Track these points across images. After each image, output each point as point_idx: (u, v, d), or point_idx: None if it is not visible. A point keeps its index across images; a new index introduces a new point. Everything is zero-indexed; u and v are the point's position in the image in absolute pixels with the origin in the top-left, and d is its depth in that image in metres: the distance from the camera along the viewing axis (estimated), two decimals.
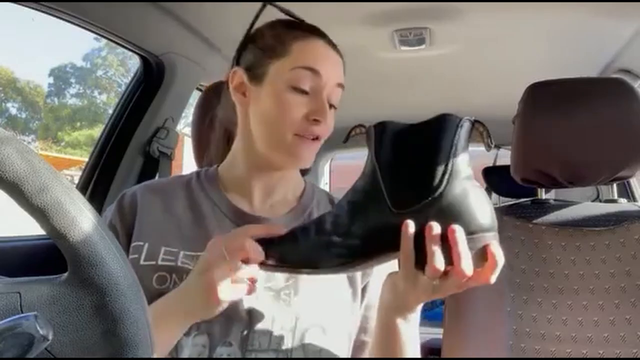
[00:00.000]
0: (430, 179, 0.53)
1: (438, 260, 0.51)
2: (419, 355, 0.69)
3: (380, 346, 0.67)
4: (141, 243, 0.70)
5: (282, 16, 0.77)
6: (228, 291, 0.56)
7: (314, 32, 0.74)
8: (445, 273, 0.53)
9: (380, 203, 0.55)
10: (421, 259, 0.53)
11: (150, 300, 0.65)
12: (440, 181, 0.53)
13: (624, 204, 1.13)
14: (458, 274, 0.52)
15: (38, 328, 0.32)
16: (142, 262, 0.68)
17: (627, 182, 1.99)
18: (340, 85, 0.74)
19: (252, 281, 0.58)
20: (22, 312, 0.33)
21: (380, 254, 0.56)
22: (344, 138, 0.62)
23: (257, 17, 0.76)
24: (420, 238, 0.52)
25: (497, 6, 1.13)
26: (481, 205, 0.54)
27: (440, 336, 1.02)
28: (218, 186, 0.78)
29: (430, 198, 0.53)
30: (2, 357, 0.31)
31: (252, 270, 0.58)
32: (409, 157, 0.55)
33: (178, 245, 0.70)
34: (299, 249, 0.57)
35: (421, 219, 0.53)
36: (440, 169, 0.53)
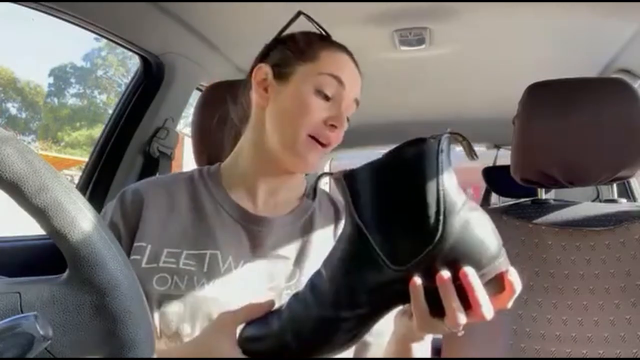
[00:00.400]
0: (426, 225, 0.46)
1: (459, 315, 0.48)
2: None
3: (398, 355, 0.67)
4: (144, 244, 0.70)
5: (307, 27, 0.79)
6: None
7: (342, 48, 0.78)
8: None
9: (376, 262, 0.48)
10: (436, 308, 0.48)
11: (150, 300, 0.66)
12: (437, 222, 0.46)
13: (624, 204, 1.13)
14: (478, 318, 0.48)
15: (38, 328, 0.32)
16: (143, 265, 0.69)
17: (627, 182, 1.99)
18: (356, 102, 0.77)
19: None
20: (22, 312, 0.33)
21: (388, 311, 0.53)
22: (311, 194, 0.60)
23: (289, 24, 0.79)
24: (430, 289, 0.48)
25: (497, 6, 1.13)
26: (485, 233, 0.48)
27: (441, 336, 1.02)
28: (221, 184, 0.78)
29: (430, 247, 0.46)
30: (2, 357, 0.31)
31: None
32: (393, 204, 0.48)
33: (181, 245, 0.71)
34: (303, 332, 0.52)
35: (427, 269, 0.47)
36: (433, 209, 0.46)
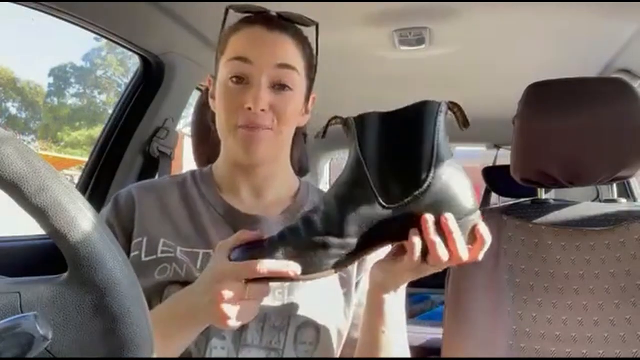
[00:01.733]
0: (418, 171, 0.54)
1: (441, 251, 0.54)
2: (405, 326, 0.71)
3: (370, 319, 0.68)
4: (140, 239, 0.71)
5: None
6: (238, 317, 0.56)
7: (251, 21, 0.73)
8: None
9: (370, 198, 0.55)
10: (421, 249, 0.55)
11: (152, 290, 0.67)
12: (428, 172, 0.54)
13: (624, 204, 1.13)
14: (456, 260, 0.55)
15: (38, 328, 0.32)
16: (143, 259, 0.70)
17: (627, 182, 1.99)
18: (285, 66, 0.71)
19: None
20: (22, 312, 0.33)
21: (374, 248, 0.57)
22: (322, 133, 0.61)
23: (223, 24, 0.76)
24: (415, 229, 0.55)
25: (497, 6, 1.13)
26: (465, 190, 0.55)
27: (440, 336, 1.02)
28: (213, 186, 0.78)
29: (419, 190, 0.54)
30: (2, 357, 0.31)
31: (262, 291, 0.57)
32: (393, 149, 0.55)
33: (175, 240, 0.72)
34: (292, 253, 0.55)
35: (413, 211, 0.54)
36: (426, 160, 0.54)
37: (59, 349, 0.33)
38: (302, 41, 0.75)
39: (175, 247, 0.71)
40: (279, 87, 0.71)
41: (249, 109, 0.69)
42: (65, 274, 0.34)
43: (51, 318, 0.33)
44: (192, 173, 0.81)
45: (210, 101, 0.78)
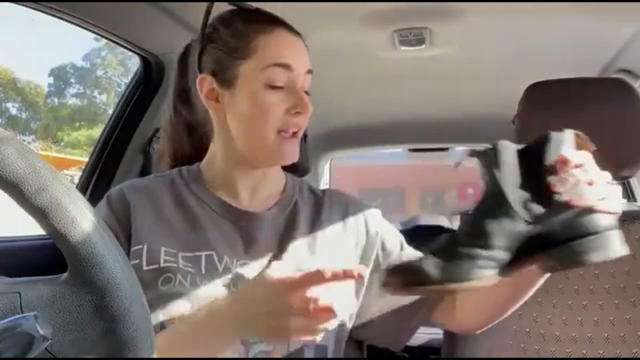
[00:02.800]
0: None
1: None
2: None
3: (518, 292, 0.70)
4: (140, 247, 0.70)
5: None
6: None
7: (273, 21, 0.72)
8: None
9: (513, 216, 0.58)
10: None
11: (157, 301, 0.65)
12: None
13: (624, 204, 1.13)
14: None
15: (38, 328, 0.32)
16: (145, 268, 0.68)
17: (627, 182, 1.99)
18: (310, 72, 0.73)
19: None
20: (22, 312, 0.33)
21: (524, 264, 0.59)
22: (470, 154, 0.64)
23: (207, 15, 0.73)
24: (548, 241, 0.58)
25: (497, 6, 1.13)
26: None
27: (440, 336, 1.02)
28: (203, 184, 0.77)
29: (560, 208, 0.58)
30: (2, 357, 0.31)
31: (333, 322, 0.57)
32: (531, 174, 0.60)
33: (175, 247, 0.70)
34: (440, 266, 0.58)
35: (555, 226, 0.59)
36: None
37: (59, 349, 0.33)
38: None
39: (177, 255, 0.69)
40: (304, 92, 0.72)
41: (298, 113, 0.70)
42: (65, 274, 0.34)
43: (51, 318, 0.33)
44: (179, 171, 0.80)
45: (210, 103, 0.74)
